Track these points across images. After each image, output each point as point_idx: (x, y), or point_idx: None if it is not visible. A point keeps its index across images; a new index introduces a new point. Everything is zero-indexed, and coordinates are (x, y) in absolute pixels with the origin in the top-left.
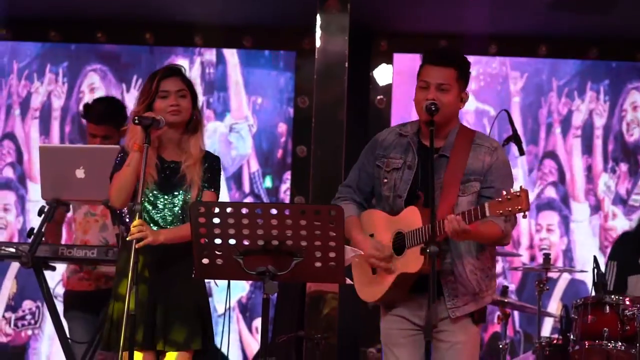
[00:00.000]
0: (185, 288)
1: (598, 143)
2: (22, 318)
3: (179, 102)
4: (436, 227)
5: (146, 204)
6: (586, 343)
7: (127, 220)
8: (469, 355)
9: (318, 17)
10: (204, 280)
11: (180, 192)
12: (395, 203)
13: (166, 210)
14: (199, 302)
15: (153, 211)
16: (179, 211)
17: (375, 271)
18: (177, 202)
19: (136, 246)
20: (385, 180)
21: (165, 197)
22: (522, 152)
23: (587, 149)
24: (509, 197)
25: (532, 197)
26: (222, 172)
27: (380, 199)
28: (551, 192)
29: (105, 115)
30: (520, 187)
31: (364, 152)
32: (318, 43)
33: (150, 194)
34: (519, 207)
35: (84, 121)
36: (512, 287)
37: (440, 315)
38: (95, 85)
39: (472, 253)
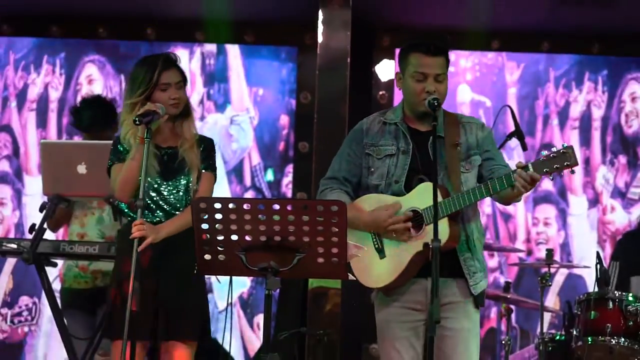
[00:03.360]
0: (186, 282)
1: (596, 135)
2: (19, 314)
3: (179, 94)
4: (491, 189)
5: (151, 192)
6: (589, 339)
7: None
8: (475, 345)
9: (320, 12)
10: (204, 275)
11: (182, 176)
12: (390, 190)
13: (171, 196)
14: (199, 298)
15: (157, 197)
16: (183, 195)
17: (384, 253)
18: (180, 186)
19: (138, 249)
20: (375, 169)
21: (169, 183)
22: (524, 148)
23: (585, 141)
24: (553, 155)
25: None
26: (217, 153)
27: (365, 190)
28: (548, 185)
29: (94, 120)
30: (564, 144)
31: (348, 143)
32: (320, 38)
33: (155, 183)
34: (567, 163)
35: None
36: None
37: (444, 300)
38: (93, 76)
39: (477, 224)
